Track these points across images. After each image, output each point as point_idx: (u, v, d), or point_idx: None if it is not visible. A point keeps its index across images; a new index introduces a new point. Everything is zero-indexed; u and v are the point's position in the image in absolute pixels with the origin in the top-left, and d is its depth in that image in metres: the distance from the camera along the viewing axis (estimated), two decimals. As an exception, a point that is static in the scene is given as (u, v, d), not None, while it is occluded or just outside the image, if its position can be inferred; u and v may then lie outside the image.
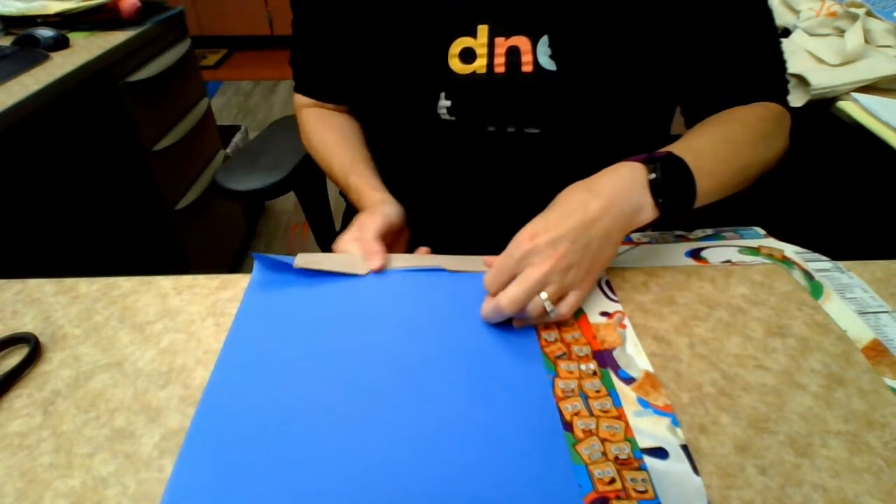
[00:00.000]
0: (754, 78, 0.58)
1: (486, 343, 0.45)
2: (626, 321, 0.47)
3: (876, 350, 0.44)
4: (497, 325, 0.46)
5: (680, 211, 0.48)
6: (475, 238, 0.57)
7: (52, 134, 1.21)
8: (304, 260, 0.50)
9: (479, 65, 0.57)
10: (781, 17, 1.10)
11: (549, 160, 0.60)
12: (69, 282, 0.54)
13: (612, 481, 0.35)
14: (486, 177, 0.62)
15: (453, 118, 0.59)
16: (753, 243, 0.57)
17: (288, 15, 0.69)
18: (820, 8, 1.04)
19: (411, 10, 0.58)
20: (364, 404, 0.40)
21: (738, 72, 0.58)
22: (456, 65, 0.57)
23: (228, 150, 1.80)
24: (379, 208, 0.57)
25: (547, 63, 0.55)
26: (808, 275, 0.52)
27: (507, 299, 0.44)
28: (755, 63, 0.58)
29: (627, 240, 0.57)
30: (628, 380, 0.42)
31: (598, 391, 0.41)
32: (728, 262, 0.54)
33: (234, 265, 1.73)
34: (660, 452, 0.37)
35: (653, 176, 0.46)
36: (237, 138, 1.91)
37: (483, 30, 0.56)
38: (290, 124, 0.83)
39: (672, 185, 0.47)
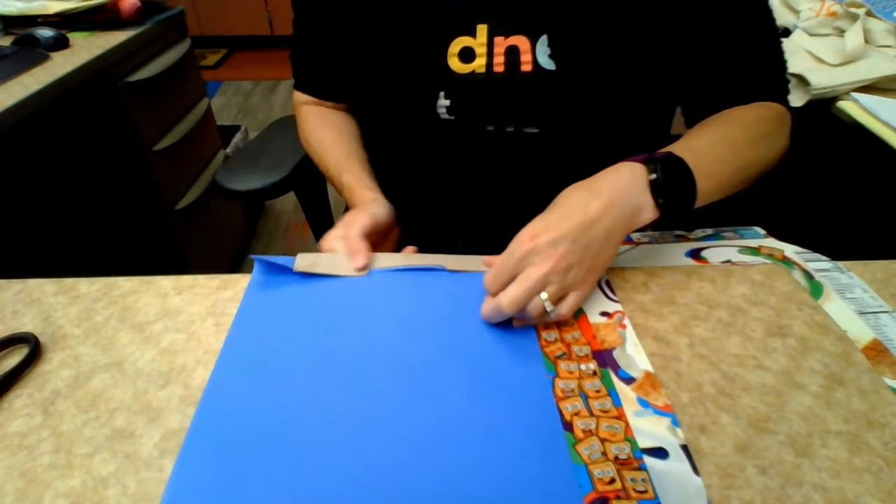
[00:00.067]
0: (755, 78, 0.58)
1: (486, 343, 0.45)
2: (626, 321, 0.47)
3: (876, 350, 0.44)
4: (497, 324, 0.46)
5: (680, 211, 0.48)
6: (475, 238, 0.57)
7: (53, 134, 1.21)
8: (303, 263, 0.50)
9: (479, 64, 0.57)
10: (781, 17, 1.10)
11: (549, 160, 0.60)
12: (69, 282, 0.54)
13: (612, 481, 0.35)
14: (485, 176, 0.62)
15: (452, 117, 0.59)
16: (753, 243, 0.56)
17: (288, 15, 0.69)
18: (820, 8, 1.04)
19: (411, 10, 0.58)
20: (364, 404, 0.40)
21: (739, 72, 0.58)
22: (455, 64, 0.57)
23: (228, 150, 1.80)
24: (367, 207, 0.57)
25: (546, 63, 0.55)
26: (808, 275, 0.52)
27: (508, 299, 0.44)
28: (755, 63, 0.58)
29: (627, 240, 0.57)
30: (628, 380, 0.42)
31: (598, 391, 0.41)
32: (728, 262, 0.54)
33: (234, 265, 1.73)
34: (660, 452, 0.37)
35: (653, 176, 0.46)
36: (237, 138, 1.91)
37: (482, 29, 0.56)
38: (290, 124, 0.83)
39: (672, 185, 0.47)
